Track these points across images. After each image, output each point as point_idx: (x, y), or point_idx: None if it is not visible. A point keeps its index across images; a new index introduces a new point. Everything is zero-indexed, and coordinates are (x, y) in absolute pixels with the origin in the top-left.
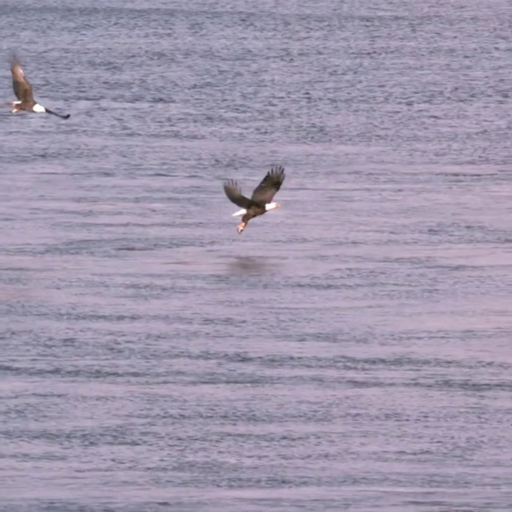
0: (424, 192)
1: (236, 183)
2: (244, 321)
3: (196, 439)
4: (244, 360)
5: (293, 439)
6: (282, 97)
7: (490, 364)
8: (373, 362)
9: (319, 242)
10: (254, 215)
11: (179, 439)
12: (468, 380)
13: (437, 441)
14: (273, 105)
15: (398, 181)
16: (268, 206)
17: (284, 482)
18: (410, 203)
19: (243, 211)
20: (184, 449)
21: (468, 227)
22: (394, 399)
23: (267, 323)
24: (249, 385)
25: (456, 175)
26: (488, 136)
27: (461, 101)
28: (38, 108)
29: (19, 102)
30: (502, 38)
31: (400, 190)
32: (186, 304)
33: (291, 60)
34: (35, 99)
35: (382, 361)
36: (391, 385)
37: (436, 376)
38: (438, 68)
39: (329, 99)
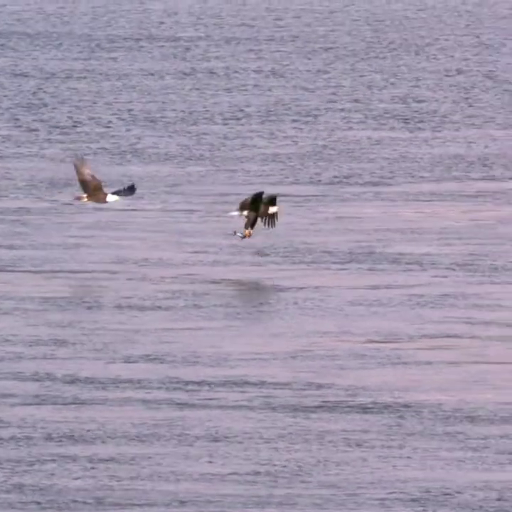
0: None
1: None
2: (70, 343)
3: (22, 461)
4: (71, 381)
5: (120, 461)
6: (100, 118)
7: (314, 385)
8: (199, 383)
9: (145, 263)
10: (256, 218)
11: (4, 461)
12: (294, 401)
13: (265, 463)
14: (83, 124)
15: (223, 202)
16: (271, 209)
17: (110, 504)
18: (236, 224)
19: (241, 212)
20: (9, 472)
21: (295, 248)
22: (220, 420)
23: (93, 345)
24: (75, 406)
25: (281, 196)
26: (304, 157)
27: (274, 121)
28: (112, 198)
29: (88, 195)
30: (308, 58)
31: (225, 211)
32: (12, 325)
33: (102, 80)
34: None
35: (209, 383)
36: (217, 406)
37: (262, 398)
38: (250, 88)
39: (146, 119)
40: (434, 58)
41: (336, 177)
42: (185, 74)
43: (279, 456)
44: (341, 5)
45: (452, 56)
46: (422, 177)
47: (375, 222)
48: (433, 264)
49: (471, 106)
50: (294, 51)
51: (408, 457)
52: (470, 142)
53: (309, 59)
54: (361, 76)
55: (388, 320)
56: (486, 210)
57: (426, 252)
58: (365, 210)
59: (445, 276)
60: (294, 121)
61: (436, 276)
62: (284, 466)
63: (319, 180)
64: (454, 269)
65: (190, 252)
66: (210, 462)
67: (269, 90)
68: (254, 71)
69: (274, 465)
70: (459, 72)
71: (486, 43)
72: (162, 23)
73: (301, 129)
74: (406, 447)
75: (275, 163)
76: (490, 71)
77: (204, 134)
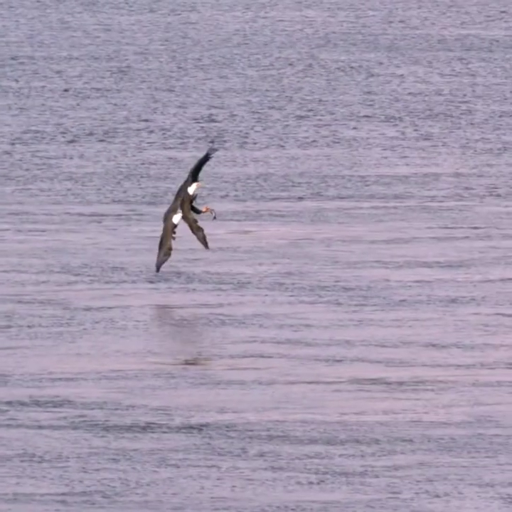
0: (61, 232)
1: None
2: None
3: None
4: None
5: None
6: None
7: (124, 405)
8: (8, 403)
9: None
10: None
11: None
12: (104, 421)
13: (77, 483)
14: None
15: (32, 221)
16: (190, 189)
17: None
18: (48, 244)
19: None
20: None
21: (104, 267)
22: (30, 440)
23: None
24: None
25: (88, 215)
26: (108, 176)
27: (72, 141)
28: (176, 218)
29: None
30: (102, 77)
31: (30, 231)
32: None
33: None
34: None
35: (18, 402)
36: (27, 426)
37: (72, 418)
38: (42, 108)
39: None
40: (225, 77)
41: (143, 197)
42: None
43: (90, 476)
44: (134, 20)
45: (245, 75)
46: (227, 196)
47: (185, 242)
48: (242, 283)
49: (267, 125)
50: (88, 70)
51: (218, 478)
52: (271, 161)
53: (103, 78)
54: (152, 96)
55: (196, 340)
56: (292, 229)
57: (235, 271)
58: (176, 229)
59: (254, 295)
60: (94, 141)
61: (244, 296)
62: (96, 487)
63: (127, 200)
64: (262, 288)
65: None
66: (20, 483)
67: (68, 110)
68: (50, 91)
69: (87, 485)
70: (253, 90)
71: (280, 61)
72: None
73: (100, 149)
74: (215, 467)
75: (78, 183)
76: (282, 86)
77: (5, 152)
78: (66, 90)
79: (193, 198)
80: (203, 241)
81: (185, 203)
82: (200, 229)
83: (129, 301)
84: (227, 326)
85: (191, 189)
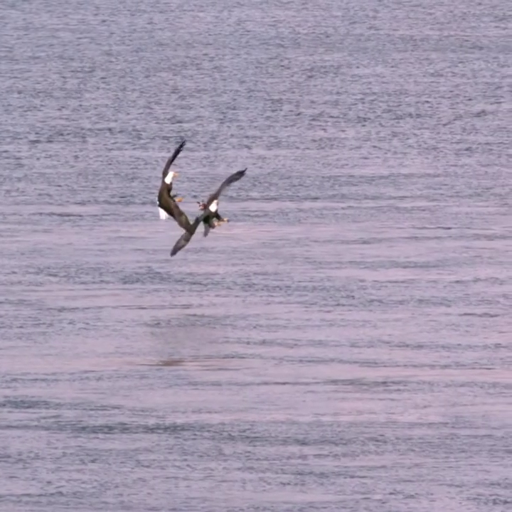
0: (36, 233)
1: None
2: None
3: None
4: None
5: None
6: None
7: (98, 405)
8: None
9: None
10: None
11: None
12: (77, 421)
13: (49, 484)
14: None
15: (4, 222)
16: (167, 178)
17: None
18: (20, 245)
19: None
20: None
21: (77, 268)
22: (6, 441)
23: None
24: None
25: (60, 215)
26: (79, 177)
27: (42, 142)
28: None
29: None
30: (67, 77)
31: (2, 231)
32: None
33: None
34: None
35: None
36: (3, 427)
37: (45, 419)
38: (13, 109)
39: None
40: (191, 77)
41: (112, 196)
42: None
43: (64, 476)
44: (99, 21)
45: (211, 75)
46: (197, 196)
47: (158, 242)
48: (215, 283)
49: (235, 125)
50: (55, 70)
51: (190, 478)
52: (239, 162)
53: (68, 78)
54: (118, 97)
55: (170, 340)
56: (265, 229)
57: (209, 272)
58: (148, 230)
59: (226, 296)
60: (61, 141)
61: (217, 296)
62: (70, 487)
63: (97, 200)
64: (234, 289)
65: None
66: None
67: (35, 110)
68: (16, 91)
69: (60, 486)
70: (222, 91)
71: (246, 61)
72: None
73: (68, 149)
74: (189, 468)
75: (48, 183)
76: (249, 87)
77: None
78: (32, 90)
79: (169, 187)
80: (185, 225)
81: (164, 191)
82: (182, 214)
83: (103, 302)
84: (201, 326)
85: (168, 178)
